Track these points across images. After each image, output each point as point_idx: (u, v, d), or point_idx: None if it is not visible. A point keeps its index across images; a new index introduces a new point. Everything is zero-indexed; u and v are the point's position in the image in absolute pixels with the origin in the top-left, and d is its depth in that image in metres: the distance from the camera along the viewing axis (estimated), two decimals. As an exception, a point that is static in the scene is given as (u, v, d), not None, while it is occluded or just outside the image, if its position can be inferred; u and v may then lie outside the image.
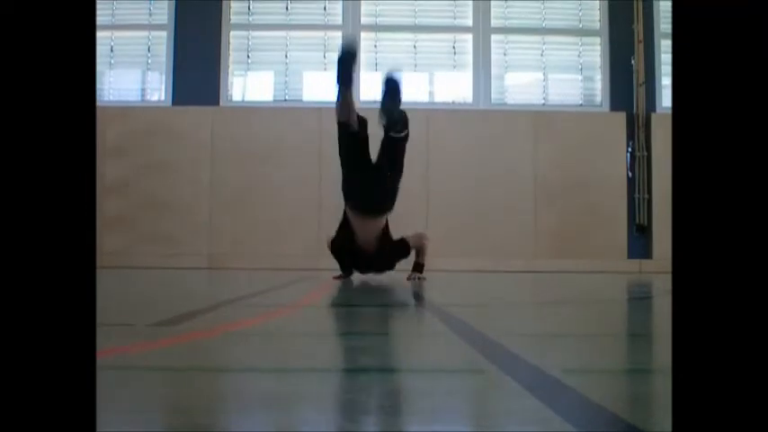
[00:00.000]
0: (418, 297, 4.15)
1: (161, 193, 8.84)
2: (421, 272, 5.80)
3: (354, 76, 5.49)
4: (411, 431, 1.11)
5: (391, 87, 5.62)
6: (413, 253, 5.85)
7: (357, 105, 5.64)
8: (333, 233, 5.87)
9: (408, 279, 5.70)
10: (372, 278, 5.75)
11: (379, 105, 5.57)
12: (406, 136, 5.68)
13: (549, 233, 8.88)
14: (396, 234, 5.81)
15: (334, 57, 9.19)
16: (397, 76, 5.73)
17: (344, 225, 5.73)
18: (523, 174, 8.96)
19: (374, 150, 5.67)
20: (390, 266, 5.84)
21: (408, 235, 5.85)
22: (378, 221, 5.67)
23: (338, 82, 5.45)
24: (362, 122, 5.65)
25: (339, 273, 5.82)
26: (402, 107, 5.62)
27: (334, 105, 5.58)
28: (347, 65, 5.42)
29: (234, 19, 9.34)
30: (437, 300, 4.08)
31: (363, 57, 9.34)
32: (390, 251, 5.73)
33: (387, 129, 5.63)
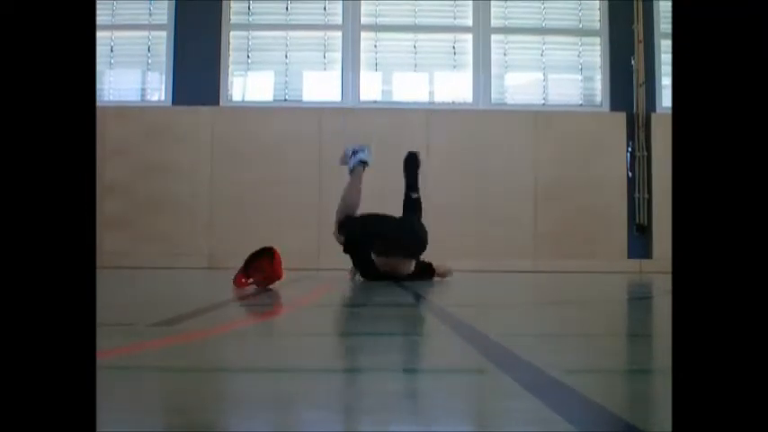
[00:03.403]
0: (418, 297, 4.15)
1: (161, 193, 8.84)
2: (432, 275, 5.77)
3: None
4: (411, 431, 1.11)
5: (411, 163, 6.07)
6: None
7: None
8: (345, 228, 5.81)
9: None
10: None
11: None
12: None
13: (548, 233, 8.88)
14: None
15: (335, 57, 9.28)
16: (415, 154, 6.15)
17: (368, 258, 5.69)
18: (523, 174, 8.95)
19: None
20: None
21: (438, 264, 5.81)
22: (408, 262, 5.63)
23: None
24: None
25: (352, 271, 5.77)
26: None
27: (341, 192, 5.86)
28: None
29: (234, 19, 9.34)
30: (437, 300, 4.08)
31: (363, 57, 9.36)
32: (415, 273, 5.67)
33: (407, 208, 5.96)
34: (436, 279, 5.72)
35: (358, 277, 5.71)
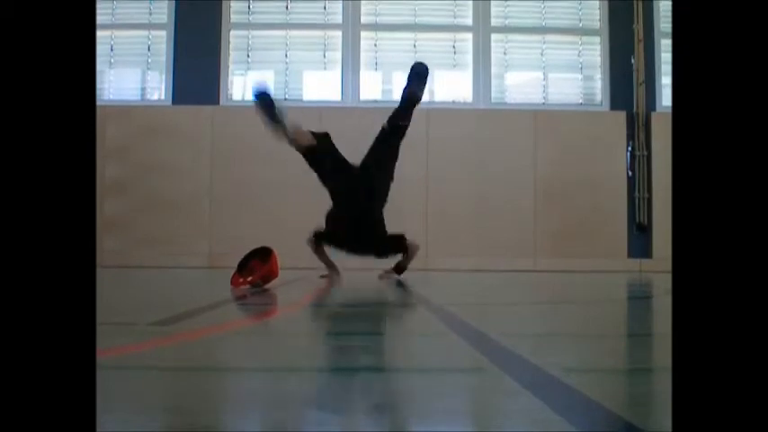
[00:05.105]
0: (417, 296, 4.15)
1: (161, 193, 8.83)
2: (399, 274, 5.79)
3: (278, 111, 5.63)
4: (411, 431, 1.11)
5: (419, 73, 5.80)
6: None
7: (299, 127, 5.75)
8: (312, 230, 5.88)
9: (381, 278, 5.68)
10: (368, 278, 5.74)
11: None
12: (405, 130, 5.74)
13: (549, 232, 8.88)
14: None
15: (335, 56, 9.28)
16: (424, 67, 5.90)
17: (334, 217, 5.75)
18: (524, 173, 8.95)
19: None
20: (381, 254, 5.81)
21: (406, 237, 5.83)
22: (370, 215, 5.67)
23: (268, 122, 5.62)
24: (323, 136, 5.73)
25: (325, 273, 5.87)
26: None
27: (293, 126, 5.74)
28: (266, 106, 5.64)
29: (234, 18, 9.34)
30: (437, 299, 4.08)
31: (363, 56, 9.35)
32: (384, 239, 5.70)
33: (395, 116, 5.72)
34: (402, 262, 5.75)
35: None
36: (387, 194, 5.74)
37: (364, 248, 5.70)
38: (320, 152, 5.66)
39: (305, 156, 5.72)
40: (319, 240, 5.84)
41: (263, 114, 5.64)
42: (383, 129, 5.76)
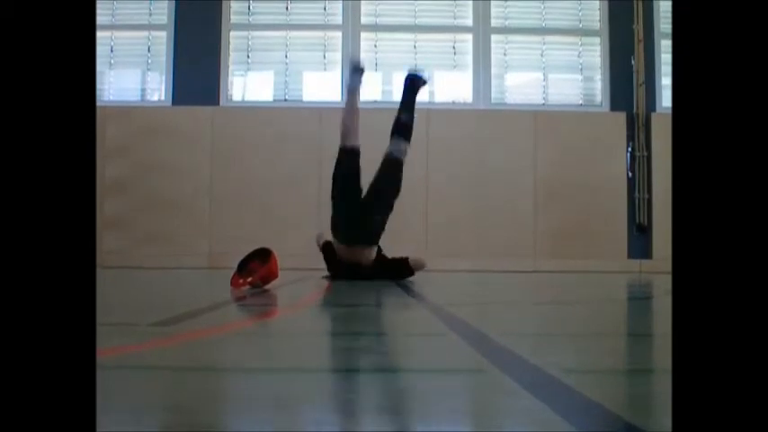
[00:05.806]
0: (418, 296, 4.15)
1: (161, 193, 8.84)
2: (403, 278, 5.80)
3: (360, 89, 6.01)
4: (411, 431, 1.11)
5: (413, 85, 6.03)
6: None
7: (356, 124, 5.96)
8: (327, 233, 5.89)
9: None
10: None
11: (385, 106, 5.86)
12: (405, 153, 5.85)
13: (548, 233, 8.88)
14: (394, 253, 5.82)
15: (335, 57, 9.28)
16: (420, 75, 6.11)
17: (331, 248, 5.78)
18: (523, 174, 8.96)
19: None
20: (389, 278, 5.80)
21: (413, 257, 5.78)
22: (366, 250, 5.66)
23: (349, 86, 5.98)
24: (357, 151, 5.82)
25: (327, 274, 5.90)
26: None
27: (340, 115, 5.99)
28: (357, 75, 6.02)
29: (234, 19, 9.34)
30: (437, 299, 4.08)
31: (363, 57, 9.35)
32: (387, 269, 5.71)
33: (395, 131, 5.85)
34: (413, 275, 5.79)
35: (326, 276, 5.85)
36: (383, 227, 5.73)
37: (365, 277, 5.62)
38: (348, 159, 5.72)
39: (344, 154, 5.80)
40: (325, 252, 5.89)
41: (353, 84, 6.07)
42: (386, 158, 5.84)
